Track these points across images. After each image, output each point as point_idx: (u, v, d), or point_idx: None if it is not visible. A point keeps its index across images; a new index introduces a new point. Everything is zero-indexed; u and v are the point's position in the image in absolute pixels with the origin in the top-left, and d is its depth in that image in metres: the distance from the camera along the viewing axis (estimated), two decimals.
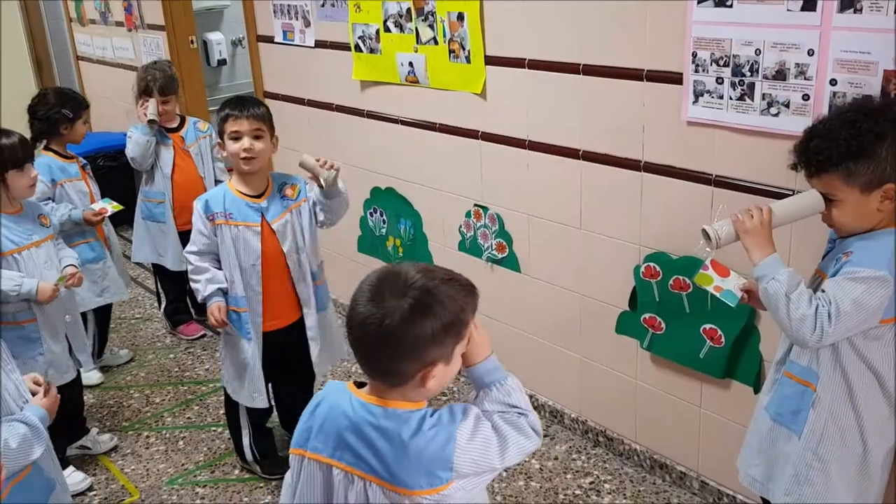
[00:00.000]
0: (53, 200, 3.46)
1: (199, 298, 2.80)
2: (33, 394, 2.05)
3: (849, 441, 1.93)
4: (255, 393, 2.91)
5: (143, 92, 3.86)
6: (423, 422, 1.48)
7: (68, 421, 3.20)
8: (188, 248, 2.81)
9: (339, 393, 1.57)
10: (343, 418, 1.53)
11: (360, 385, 1.57)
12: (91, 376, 3.82)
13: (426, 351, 1.45)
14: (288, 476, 1.67)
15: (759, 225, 1.94)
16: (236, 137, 2.69)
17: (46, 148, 3.57)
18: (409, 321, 1.42)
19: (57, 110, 3.54)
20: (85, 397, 3.50)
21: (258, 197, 2.79)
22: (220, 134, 2.75)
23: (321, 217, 2.86)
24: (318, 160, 2.72)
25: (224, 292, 2.79)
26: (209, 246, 2.78)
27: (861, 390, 1.90)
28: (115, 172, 4.89)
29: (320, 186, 2.74)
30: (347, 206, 2.88)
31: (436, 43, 3.18)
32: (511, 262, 3.23)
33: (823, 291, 1.83)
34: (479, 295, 1.53)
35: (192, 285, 2.81)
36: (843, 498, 1.96)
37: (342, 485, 1.53)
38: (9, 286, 2.77)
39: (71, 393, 3.13)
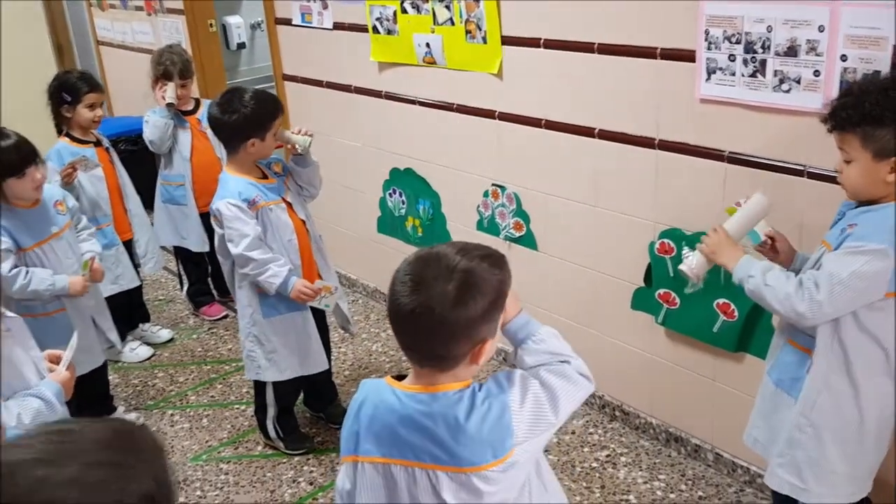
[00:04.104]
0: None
1: (277, 285, 2.75)
2: (51, 371, 2.06)
3: (843, 409, 1.96)
4: (318, 357, 3.02)
5: (162, 76, 3.89)
6: (474, 397, 1.48)
7: (95, 400, 3.28)
8: (240, 248, 2.72)
9: (380, 390, 1.54)
10: (391, 414, 1.50)
11: (398, 378, 1.55)
12: (140, 352, 3.96)
13: (477, 330, 1.45)
14: (340, 483, 1.62)
15: (720, 242, 2.07)
16: (274, 133, 2.82)
17: (66, 134, 3.59)
18: (459, 304, 1.41)
19: (56, 93, 3.52)
20: (111, 377, 3.58)
21: (265, 178, 2.88)
22: (265, 126, 2.77)
23: (301, 189, 3.00)
24: (293, 130, 2.90)
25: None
26: (259, 234, 2.76)
27: (860, 361, 1.93)
28: (136, 156, 4.94)
29: (295, 154, 2.90)
30: (321, 180, 3.04)
31: (452, 24, 3.21)
32: (528, 241, 3.27)
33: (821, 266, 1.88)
34: (508, 262, 1.53)
35: (263, 277, 2.75)
36: (836, 464, 2.00)
37: (405, 482, 1.50)
38: (43, 286, 2.81)
39: (97, 373, 3.21)
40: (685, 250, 2.56)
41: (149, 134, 3.92)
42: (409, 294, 1.43)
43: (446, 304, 1.41)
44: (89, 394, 3.17)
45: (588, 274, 3.07)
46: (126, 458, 0.99)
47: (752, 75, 2.30)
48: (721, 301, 2.60)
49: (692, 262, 2.12)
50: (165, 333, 4.13)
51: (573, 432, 3.14)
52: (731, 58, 2.33)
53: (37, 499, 0.91)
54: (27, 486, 0.91)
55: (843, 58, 2.08)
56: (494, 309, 1.47)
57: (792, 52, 2.19)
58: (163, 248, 4.20)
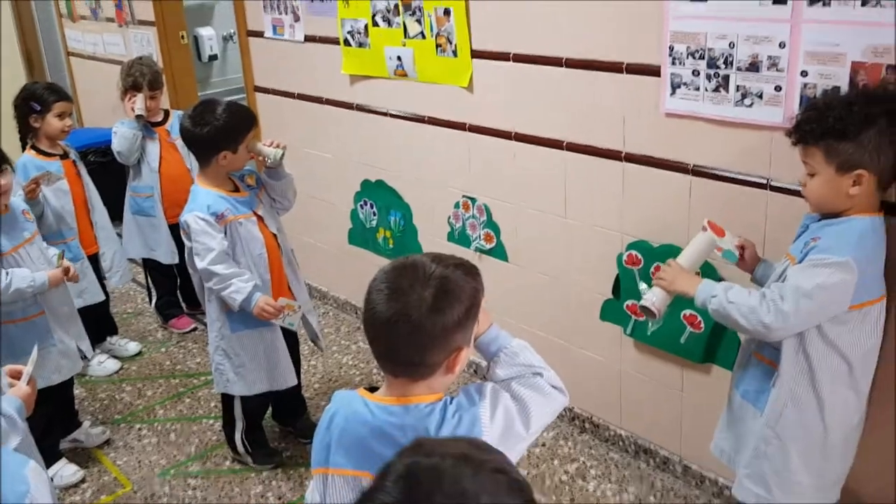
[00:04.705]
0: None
1: (240, 301, 2.73)
2: (12, 386, 2.02)
3: (808, 421, 1.99)
4: (287, 372, 3.00)
5: (132, 87, 3.87)
6: (445, 411, 1.48)
7: (61, 414, 3.24)
8: (205, 262, 2.71)
9: (351, 402, 1.54)
10: (363, 426, 1.50)
11: (371, 390, 1.55)
12: (107, 366, 3.92)
13: (452, 338, 1.46)
14: (309, 496, 1.61)
15: (676, 273, 2.10)
16: (247, 145, 2.82)
17: (32, 146, 3.55)
18: (436, 311, 1.42)
19: (25, 103, 3.49)
20: (77, 391, 3.55)
21: (236, 191, 2.87)
22: (238, 139, 2.77)
23: (273, 202, 3.00)
24: (266, 142, 2.87)
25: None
26: (225, 248, 2.75)
27: (824, 374, 1.95)
28: (105, 168, 4.90)
29: (267, 167, 2.89)
30: (295, 193, 3.03)
31: (423, 37, 3.22)
32: (499, 252, 3.28)
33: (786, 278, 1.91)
34: (480, 273, 1.55)
35: (226, 292, 2.73)
36: (801, 475, 2.03)
37: None
38: (24, 284, 2.80)
39: (63, 386, 3.16)
40: (642, 286, 2.64)
41: (117, 145, 3.90)
42: (385, 301, 1.44)
43: (424, 310, 1.42)
44: (53, 406, 3.14)
45: (558, 285, 3.08)
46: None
47: (716, 90, 2.32)
48: (688, 312, 2.62)
49: (653, 298, 2.13)
50: (133, 346, 4.09)
51: (543, 444, 3.14)
52: (695, 73, 2.36)
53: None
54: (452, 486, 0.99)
55: (804, 73, 2.11)
56: (469, 317, 1.48)
57: (754, 67, 2.22)
58: (131, 260, 4.16)
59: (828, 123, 1.85)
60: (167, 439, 3.38)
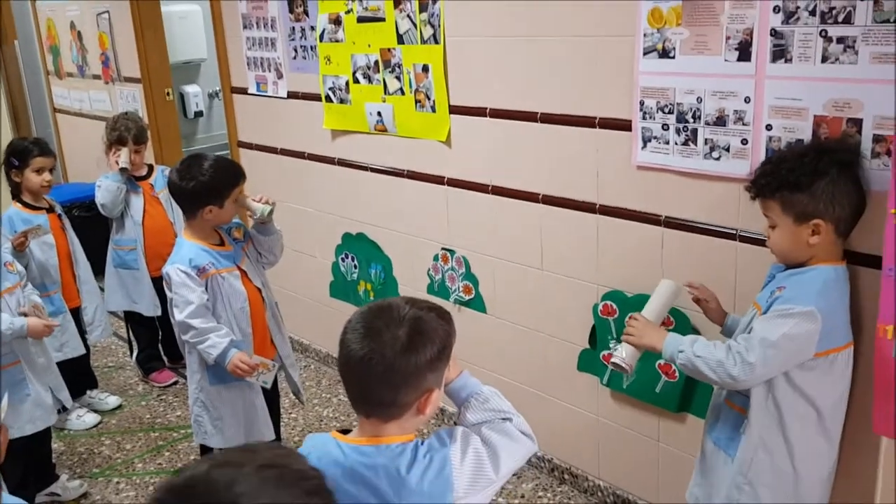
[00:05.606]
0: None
1: (215, 356, 2.73)
2: None
3: (779, 467, 2.01)
4: (264, 428, 2.99)
5: (117, 141, 3.92)
6: (416, 451, 1.51)
7: (37, 467, 3.22)
8: (183, 314, 2.72)
9: (324, 444, 1.56)
10: (335, 467, 1.51)
11: (343, 432, 1.58)
12: (87, 419, 3.89)
13: (424, 378, 1.49)
14: None
15: (642, 327, 2.15)
16: (234, 200, 2.85)
17: (18, 200, 3.59)
18: (410, 350, 1.46)
19: (7, 159, 3.55)
20: (55, 444, 3.51)
21: (221, 245, 2.89)
22: (224, 194, 2.80)
23: (260, 256, 3.03)
24: (255, 198, 2.91)
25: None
26: (205, 302, 2.76)
27: (793, 420, 1.98)
28: (90, 222, 4.93)
29: (256, 222, 2.93)
30: (282, 248, 3.07)
31: (402, 93, 3.30)
32: (477, 304, 3.31)
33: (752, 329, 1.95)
34: (453, 319, 1.59)
35: (202, 346, 2.74)
36: None
37: None
38: (4, 326, 2.81)
39: (40, 439, 3.15)
40: (612, 342, 2.69)
41: (101, 198, 3.93)
42: (360, 341, 1.48)
43: (397, 349, 1.46)
44: (37, 458, 3.12)
45: (535, 336, 3.11)
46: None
47: (685, 143, 2.39)
48: (662, 362, 2.65)
49: (623, 354, 2.18)
50: (113, 400, 4.07)
51: (523, 496, 3.13)
52: (665, 127, 2.43)
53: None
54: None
55: (769, 127, 2.18)
56: (441, 358, 1.52)
57: (721, 121, 2.29)
58: (112, 313, 4.15)
59: (781, 176, 1.93)
60: (145, 493, 3.35)
